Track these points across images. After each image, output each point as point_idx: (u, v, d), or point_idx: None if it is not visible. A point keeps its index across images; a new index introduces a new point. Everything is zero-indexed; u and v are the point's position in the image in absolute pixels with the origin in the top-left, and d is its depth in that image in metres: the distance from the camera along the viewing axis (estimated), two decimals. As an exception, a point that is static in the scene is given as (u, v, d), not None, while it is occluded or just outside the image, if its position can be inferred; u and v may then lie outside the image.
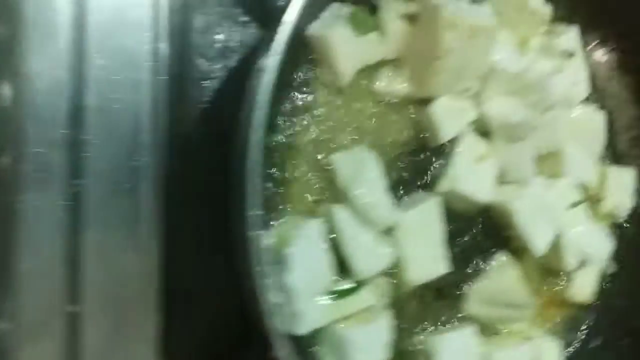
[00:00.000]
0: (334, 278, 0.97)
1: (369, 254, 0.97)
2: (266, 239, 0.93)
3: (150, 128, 1.01)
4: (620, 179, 1.24)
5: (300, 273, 0.90)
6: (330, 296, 0.96)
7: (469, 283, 1.13)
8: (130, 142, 1.00)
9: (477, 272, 1.13)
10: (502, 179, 1.12)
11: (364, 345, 0.96)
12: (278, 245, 0.93)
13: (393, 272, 1.04)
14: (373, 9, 1.05)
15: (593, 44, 1.26)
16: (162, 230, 0.99)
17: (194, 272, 1.00)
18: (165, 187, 1.01)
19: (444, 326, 1.10)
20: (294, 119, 1.02)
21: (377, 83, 1.07)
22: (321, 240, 0.95)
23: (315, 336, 0.97)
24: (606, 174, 1.23)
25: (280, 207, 0.99)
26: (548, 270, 1.19)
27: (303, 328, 0.91)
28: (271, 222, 0.97)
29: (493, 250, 1.15)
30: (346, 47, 1.00)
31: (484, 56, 1.05)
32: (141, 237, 0.98)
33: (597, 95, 1.28)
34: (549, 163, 1.18)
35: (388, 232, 1.01)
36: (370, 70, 1.06)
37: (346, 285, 0.98)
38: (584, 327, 1.24)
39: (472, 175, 1.08)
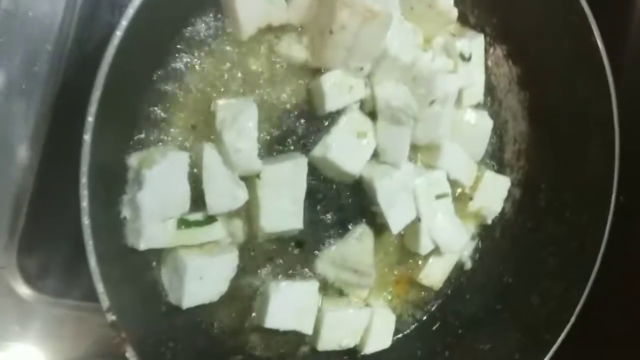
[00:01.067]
0: (188, 209, 1.06)
1: (223, 193, 1.06)
2: (131, 158, 1.03)
3: (58, 40, 1.10)
4: (495, 184, 1.33)
5: (151, 194, 0.99)
6: (180, 224, 1.05)
7: (328, 243, 1.22)
8: (35, 49, 1.09)
9: (338, 236, 1.23)
10: (378, 159, 1.21)
11: (201, 275, 1.06)
12: (140, 166, 1.02)
13: (250, 216, 1.13)
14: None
15: (500, 55, 1.32)
16: (42, 136, 1.09)
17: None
18: (57, 96, 1.10)
19: (293, 277, 1.20)
20: (192, 57, 1.10)
21: (278, 45, 1.14)
22: (182, 170, 1.04)
23: (160, 257, 1.08)
24: (482, 177, 1.31)
25: (156, 134, 1.08)
26: (406, 251, 1.29)
27: (142, 244, 1.01)
28: (141, 145, 1.06)
29: (359, 220, 1.24)
30: (251, 3, 1.08)
31: (378, 40, 1.12)
32: (23, 139, 1.08)
33: (493, 105, 1.36)
34: (427, 154, 1.27)
35: (251, 179, 1.10)
36: (274, 32, 1.14)
37: (198, 216, 1.07)
38: (426, 309, 1.33)
39: (347, 147, 1.17)
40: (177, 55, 1.09)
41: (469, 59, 1.24)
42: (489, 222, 1.37)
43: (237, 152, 1.05)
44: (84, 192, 0.85)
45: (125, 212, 1.01)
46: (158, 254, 1.07)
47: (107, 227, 0.95)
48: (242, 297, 1.16)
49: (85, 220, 0.87)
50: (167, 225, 1.04)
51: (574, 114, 1.25)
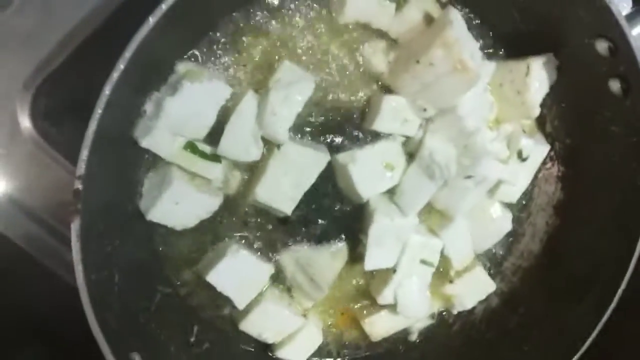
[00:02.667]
0: (203, 137, 1.06)
1: (240, 142, 1.07)
2: (181, 64, 1.04)
3: None
4: (479, 283, 1.30)
5: (179, 105, 1.00)
6: (188, 146, 1.06)
7: (303, 242, 1.21)
8: None
9: (315, 242, 1.22)
10: (392, 197, 1.20)
11: (179, 200, 1.07)
12: (184, 75, 1.02)
13: (251, 177, 1.13)
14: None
15: (554, 175, 1.30)
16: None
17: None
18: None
19: (255, 252, 1.19)
20: (285, 10, 1.11)
21: (366, 45, 1.14)
22: (218, 101, 1.04)
23: (153, 164, 1.09)
24: (472, 270, 1.28)
25: (213, 58, 1.08)
26: (367, 291, 1.27)
27: (145, 142, 1.02)
28: (195, 60, 1.07)
29: (342, 239, 1.24)
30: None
31: (455, 94, 1.11)
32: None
33: (522, 212, 1.34)
34: (436, 219, 1.25)
35: (271, 146, 1.10)
36: (369, 32, 1.14)
37: (207, 149, 1.07)
38: (351, 354, 1.32)
39: (370, 170, 1.16)
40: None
41: (525, 160, 1.22)
42: (454, 312, 1.34)
43: (273, 114, 1.05)
44: (121, 66, 0.86)
45: (148, 107, 1.02)
46: (153, 161, 1.08)
47: (123, 107, 0.96)
48: (201, 242, 1.16)
49: (107, 90, 0.87)
50: (175, 140, 1.05)
51: (588, 264, 1.21)
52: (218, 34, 1.08)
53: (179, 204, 1.07)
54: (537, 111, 1.20)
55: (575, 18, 1.07)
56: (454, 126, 1.15)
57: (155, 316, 1.10)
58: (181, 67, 1.04)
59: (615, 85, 1.10)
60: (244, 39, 1.09)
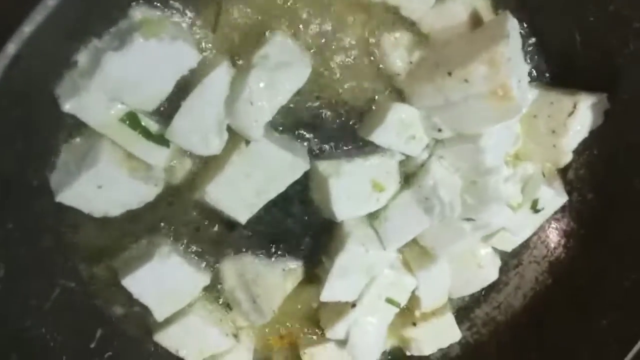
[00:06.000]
0: (151, 110, 0.80)
1: (198, 129, 0.81)
2: (138, 10, 0.76)
3: None
4: (445, 330, 1.11)
5: (125, 64, 0.74)
6: (128, 118, 0.79)
7: (252, 253, 0.98)
8: None
9: (268, 256, 0.99)
10: (372, 221, 0.98)
11: (103, 184, 0.82)
12: (139, 26, 0.74)
13: (204, 170, 0.88)
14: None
15: (562, 230, 1.10)
16: None
17: None
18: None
19: (190, 257, 0.95)
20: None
21: (386, 36, 0.88)
22: (179, 68, 0.78)
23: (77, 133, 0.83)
24: (441, 315, 1.10)
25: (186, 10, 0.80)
26: (315, 319, 1.07)
27: (69, 105, 0.76)
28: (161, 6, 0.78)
29: (300, 258, 1.01)
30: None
31: (484, 122, 0.88)
32: None
33: (511, 262, 1.14)
34: (416, 255, 1.04)
35: (237, 139, 0.84)
36: (393, 21, 0.87)
37: (153, 127, 0.81)
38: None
39: (355, 188, 0.93)
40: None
41: (538, 211, 1.01)
42: (408, 353, 1.15)
43: (250, 103, 0.79)
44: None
45: (82, 58, 0.74)
46: (77, 126, 0.80)
47: (46, 53, 0.68)
48: (123, 234, 0.92)
49: (27, 27, 0.61)
50: (112, 108, 0.78)
51: (571, 340, 1.04)
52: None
53: (102, 188, 0.81)
54: (568, 158, 0.99)
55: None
56: (469, 158, 0.93)
57: (49, 318, 0.86)
58: (137, 12, 0.75)
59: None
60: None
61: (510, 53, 0.79)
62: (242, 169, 0.85)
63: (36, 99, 0.73)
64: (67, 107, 0.75)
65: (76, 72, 0.74)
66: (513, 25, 0.82)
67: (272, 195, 0.89)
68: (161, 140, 0.81)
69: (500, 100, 0.82)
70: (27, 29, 0.63)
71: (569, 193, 1.06)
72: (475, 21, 0.86)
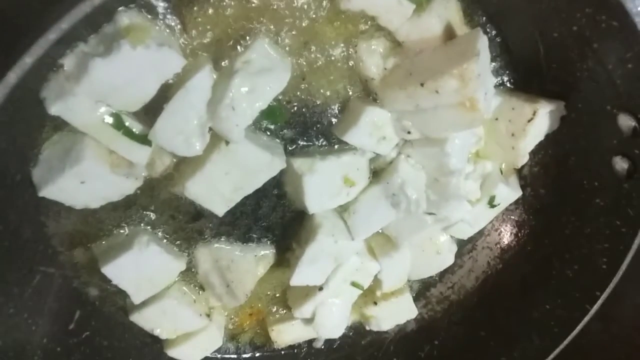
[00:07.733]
0: (134, 111, 0.82)
1: (181, 131, 0.83)
2: (125, 15, 0.76)
3: None
4: (403, 309, 1.19)
5: (111, 70, 0.75)
6: (113, 119, 0.81)
7: (226, 240, 1.03)
8: None
9: (242, 241, 1.04)
10: (342, 213, 1.04)
11: (87, 179, 0.84)
12: (127, 32, 0.75)
13: (185, 167, 0.91)
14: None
15: (514, 226, 1.19)
16: None
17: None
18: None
19: (167, 245, 0.99)
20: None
21: (362, 42, 0.91)
22: (164, 73, 0.80)
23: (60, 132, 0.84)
24: (399, 294, 1.17)
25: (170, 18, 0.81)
26: (283, 299, 1.13)
27: (55, 108, 0.77)
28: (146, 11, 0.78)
29: (272, 245, 1.07)
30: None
31: (450, 128, 0.92)
32: None
33: (466, 248, 1.22)
34: (381, 242, 1.11)
35: (217, 139, 0.87)
36: (373, 28, 0.91)
37: (137, 127, 0.83)
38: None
39: (327, 184, 0.97)
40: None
41: (494, 207, 1.08)
42: (367, 328, 1.24)
43: (231, 108, 0.82)
44: None
45: (68, 62, 0.75)
46: (59, 125, 0.82)
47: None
48: (104, 219, 0.94)
49: None
50: (96, 109, 0.79)
51: (518, 322, 1.14)
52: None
53: (85, 184, 0.84)
54: (525, 159, 1.05)
55: (608, 80, 0.91)
56: (434, 159, 0.99)
57: (29, 303, 0.89)
58: (124, 17, 0.76)
59: (620, 164, 0.97)
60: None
61: (480, 69, 0.84)
62: (222, 167, 0.88)
63: (20, 97, 0.74)
64: (54, 110, 0.76)
65: (62, 75, 0.75)
66: (483, 42, 0.86)
67: (249, 191, 0.93)
68: (144, 140, 0.83)
69: (467, 111, 0.87)
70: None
71: (523, 188, 1.13)
72: (449, 33, 0.90)
